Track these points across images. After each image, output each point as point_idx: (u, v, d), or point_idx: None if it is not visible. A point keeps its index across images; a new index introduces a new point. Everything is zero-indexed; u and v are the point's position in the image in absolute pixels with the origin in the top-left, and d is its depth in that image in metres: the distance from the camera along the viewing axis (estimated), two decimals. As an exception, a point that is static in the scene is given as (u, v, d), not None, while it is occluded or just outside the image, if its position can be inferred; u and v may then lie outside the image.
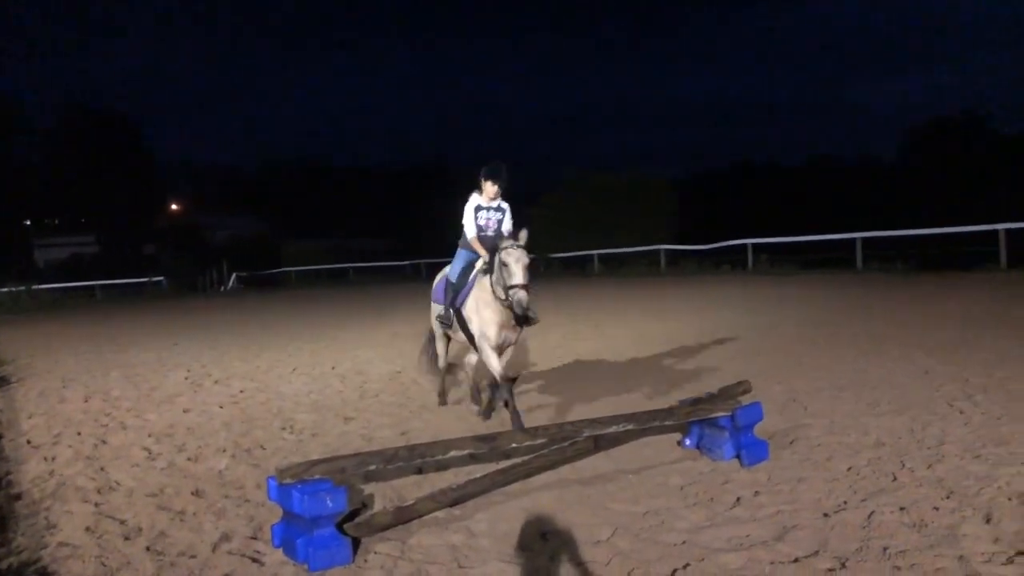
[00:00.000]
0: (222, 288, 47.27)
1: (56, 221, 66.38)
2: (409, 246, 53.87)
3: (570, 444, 5.42)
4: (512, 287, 6.22)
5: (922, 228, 23.52)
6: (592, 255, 33.87)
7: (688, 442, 5.93)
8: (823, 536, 4.05)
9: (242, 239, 64.41)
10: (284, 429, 7.37)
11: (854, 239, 23.36)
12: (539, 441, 5.24)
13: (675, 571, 3.77)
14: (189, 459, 6.36)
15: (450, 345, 8.17)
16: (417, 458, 4.76)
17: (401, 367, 10.71)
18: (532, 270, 6.42)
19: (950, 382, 7.34)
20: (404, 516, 4.55)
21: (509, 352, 7.06)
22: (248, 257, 54.77)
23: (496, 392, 7.31)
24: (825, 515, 4.36)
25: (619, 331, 13.12)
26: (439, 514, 4.74)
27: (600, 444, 5.77)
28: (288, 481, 4.08)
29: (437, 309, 7.72)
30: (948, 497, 4.45)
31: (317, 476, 4.11)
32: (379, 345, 13.22)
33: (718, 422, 5.58)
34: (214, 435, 7.16)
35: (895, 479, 4.87)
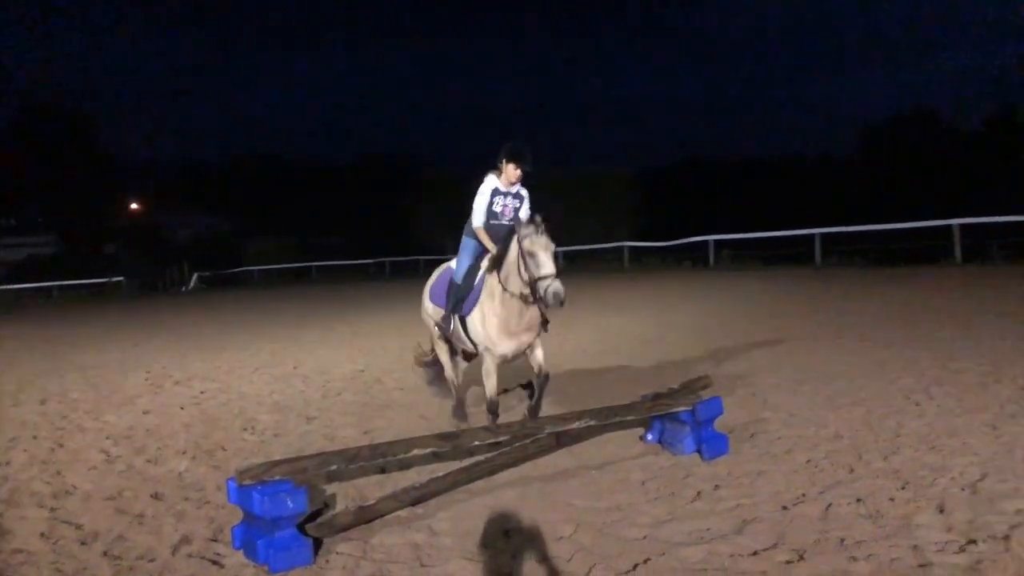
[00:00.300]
0: (183, 288, 46.75)
1: (12, 221, 65.09)
2: (375, 245, 53.70)
3: (532, 441, 5.44)
4: (543, 278, 5.48)
5: (879, 223, 23.89)
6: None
7: (650, 437, 5.97)
8: (782, 528, 4.11)
9: (204, 238, 63.78)
10: (245, 430, 7.30)
11: (813, 235, 23.70)
12: (501, 439, 5.25)
13: (636, 566, 3.79)
14: (148, 461, 6.27)
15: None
16: (379, 457, 4.74)
17: (364, 366, 10.65)
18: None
19: (906, 375, 7.48)
20: (366, 516, 4.53)
21: (539, 352, 6.26)
22: (210, 256, 54.30)
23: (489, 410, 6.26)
24: (784, 508, 4.42)
25: (583, 327, 13.17)
26: (401, 513, 4.73)
27: (562, 441, 5.79)
28: (248, 482, 4.04)
29: (433, 311, 6.95)
30: (903, 488, 4.54)
31: (278, 477, 4.07)
32: (342, 344, 13.15)
33: (679, 417, 5.62)
34: (174, 437, 7.07)
35: (852, 471, 4.95)
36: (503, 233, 6.11)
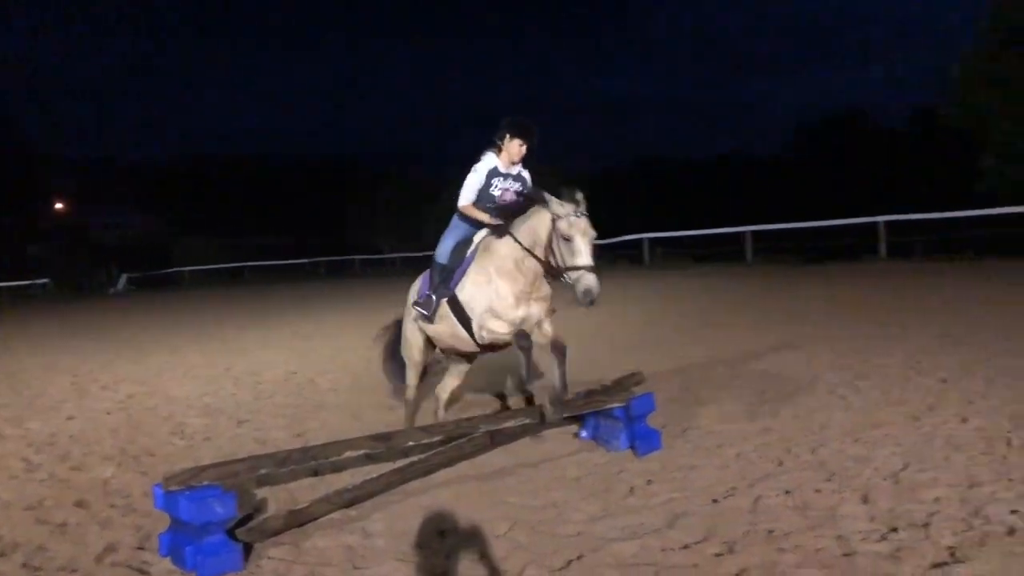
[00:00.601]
0: (111, 289, 45.54)
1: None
2: (311, 244, 53.22)
3: (467, 440, 5.42)
4: (576, 268, 4.82)
5: (809, 221, 24.39)
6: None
7: (584, 434, 6.01)
8: (712, 522, 4.16)
9: (133, 238, 62.31)
10: (174, 434, 7.14)
11: (744, 232, 24.13)
12: (436, 439, 5.22)
13: (570, 562, 3.81)
14: (72, 469, 6.08)
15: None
16: (311, 460, 4.67)
17: (297, 367, 10.50)
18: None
19: (832, 369, 7.65)
20: (298, 519, 4.46)
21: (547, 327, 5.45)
22: (140, 257, 53.13)
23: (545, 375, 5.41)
24: (714, 501, 4.49)
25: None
26: (335, 515, 4.67)
27: (497, 439, 5.77)
28: (175, 488, 3.95)
29: (415, 313, 5.91)
30: (829, 479, 4.64)
31: (206, 482, 3.98)
32: (275, 346, 12.97)
33: (613, 413, 5.67)
34: (100, 443, 6.87)
35: (781, 464, 5.05)
36: (519, 201, 5.41)
